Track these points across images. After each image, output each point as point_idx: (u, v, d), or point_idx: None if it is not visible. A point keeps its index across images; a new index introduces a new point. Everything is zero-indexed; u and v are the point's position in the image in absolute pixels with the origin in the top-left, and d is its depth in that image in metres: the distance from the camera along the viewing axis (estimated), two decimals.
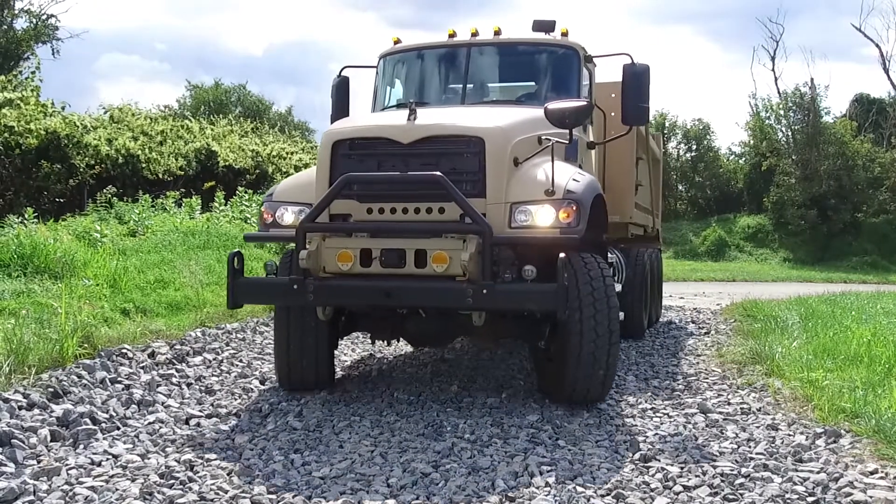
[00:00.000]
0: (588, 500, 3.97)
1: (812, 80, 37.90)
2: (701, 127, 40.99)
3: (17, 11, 30.91)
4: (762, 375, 6.85)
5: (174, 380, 6.17)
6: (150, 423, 5.13)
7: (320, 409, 5.64)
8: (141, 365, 6.34)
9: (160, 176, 19.58)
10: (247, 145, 25.17)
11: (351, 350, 8.19)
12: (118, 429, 4.97)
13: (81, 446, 4.60)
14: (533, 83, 7.12)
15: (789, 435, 5.10)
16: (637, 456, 4.69)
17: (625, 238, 9.34)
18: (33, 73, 22.59)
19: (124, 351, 6.44)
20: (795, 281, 22.87)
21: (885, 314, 9.95)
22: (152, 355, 6.63)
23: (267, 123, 37.71)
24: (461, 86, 6.93)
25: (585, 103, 5.75)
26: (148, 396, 5.63)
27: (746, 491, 4.09)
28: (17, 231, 10.30)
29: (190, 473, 4.23)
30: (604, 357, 5.40)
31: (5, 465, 4.11)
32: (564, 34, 7.00)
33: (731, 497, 4.00)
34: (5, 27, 30.10)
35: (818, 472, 4.31)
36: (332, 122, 7.06)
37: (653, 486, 4.19)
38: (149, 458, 4.47)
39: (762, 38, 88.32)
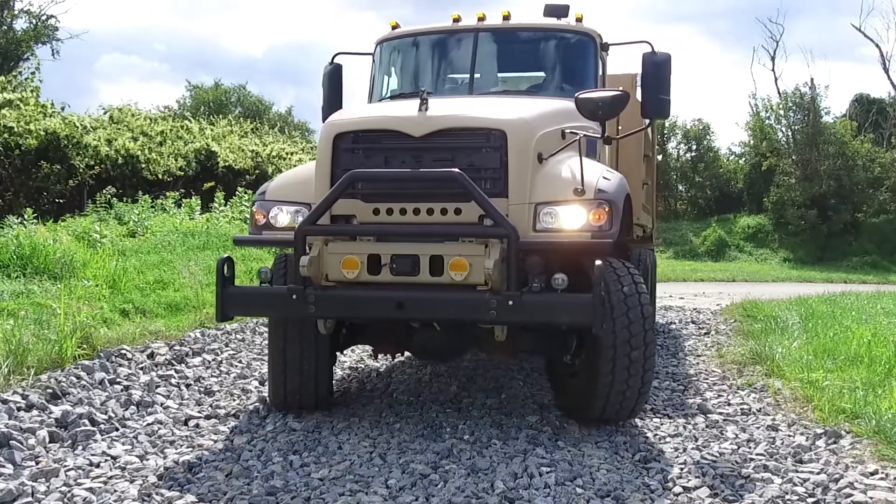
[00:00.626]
0: (587, 501, 3.96)
1: (812, 80, 38.02)
2: (701, 127, 40.90)
3: (16, 12, 30.99)
4: (762, 376, 6.85)
5: (173, 381, 6.16)
6: (148, 425, 5.12)
7: (319, 411, 5.62)
8: (140, 366, 6.33)
9: (160, 176, 19.60)
10: (246, 146, 25.22)
11: (350, 350, 8.16)
12: (117, 430, 4.96)
13: (80, 447, 4.59)
14: (543, 73, 6.61)
15: (789, 436, 5.10)
16: (637, 457, 4.69)
17: (630, 239, 9.28)
18: (33, 73, 22.69)
19: (123, 352, 6.43)
20: (795, 281, 22.82)
21: (885, 314, 9.94)
22: (151, 356, 6.62)
23: (267, 124, 37.79)
24: (468, 75, 6.34)
25: (621, 92, 5.06)
26: (147, 397, 5.62)
27: (746, 492, 4.09)
28: (16, 232, 10.31)
29: (189, 475, 4.23)
30: (639, 372, 4.94)
31: (3, 467, 4.10)
32: (579, 19, 6.47)
33: (730, 498, 4.00)
34: (5, 28, 30.14)
35: (818, 473, 4.31)
36: (323, 113, 6.62)
37: (652, 487, 4.19)
38: (147, 460, 4.47)
39: (762, 38, 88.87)
